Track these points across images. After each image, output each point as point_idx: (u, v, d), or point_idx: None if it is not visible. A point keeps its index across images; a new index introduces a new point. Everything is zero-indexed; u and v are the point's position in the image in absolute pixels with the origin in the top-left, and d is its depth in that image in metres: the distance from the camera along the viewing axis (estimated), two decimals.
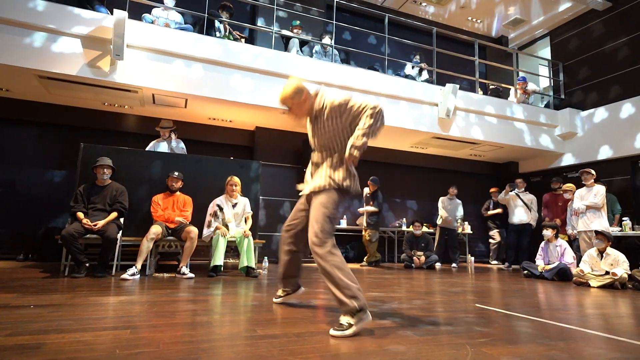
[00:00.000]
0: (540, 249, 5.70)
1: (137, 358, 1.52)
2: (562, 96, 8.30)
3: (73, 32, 4.77)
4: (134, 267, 3.95)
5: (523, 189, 7.34)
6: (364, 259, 6.71)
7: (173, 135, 5.46)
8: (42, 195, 5.74)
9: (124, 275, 3.83)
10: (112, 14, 4.80)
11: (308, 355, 1.63)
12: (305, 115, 2.42)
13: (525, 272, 5.59)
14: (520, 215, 7.11)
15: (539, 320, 2.51)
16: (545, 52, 9.17)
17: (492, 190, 8.03)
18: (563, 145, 7.88)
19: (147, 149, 5.29)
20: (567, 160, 7.82)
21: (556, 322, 2.47)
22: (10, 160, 5.66)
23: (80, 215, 4.04)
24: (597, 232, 4.95)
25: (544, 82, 9.32)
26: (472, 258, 7.35)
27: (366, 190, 6.83)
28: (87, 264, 3.95)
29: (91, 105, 5.93)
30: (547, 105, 8.39)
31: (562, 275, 5.17)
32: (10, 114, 5.66)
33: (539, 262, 5.55)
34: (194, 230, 4.30)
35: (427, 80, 7.33)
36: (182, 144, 5.55)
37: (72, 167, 4.99)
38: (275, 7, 6.18)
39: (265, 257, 5.26)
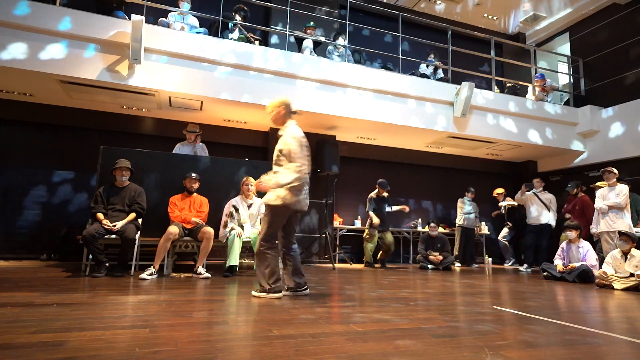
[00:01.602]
0: (560, 249, 5.56)
1: (156, 357, 1.54)
2: (583, 93, 8.09)
3: (93, 37, 4.89)
4: (152, 267, 4.02)
5: (541, 189, 7.17)
6: (378, 258, 6.70)
7: (198, 140, 5.56)
8: (63, 197, 5.90)
9: (143, 275, 3.90)
10: (129, 19, 4.90)
11: (324, 356, 1.63)
12: (277, 126, 3.26)
13: (545, 273, 5.46)
14: (539, 215, 6.94)
15: (560, 323, 2.44)
16: (565, 48, 8.95)
17: (496, 192, 7.74)
18: (584, 144, 7.68)
19: (173, 151, 5.41)
20: (588, 158, 7.62)
21: (578, 325, 2.40)
22: (32, 162, 5.83)
23: (100, 216, 4.13)
24: (620, 232, 4.80)
25: (563, 79, 9.10)
26: (490, 259, 7.23)
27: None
28: (107, 264, 4.05)
29: (110, 108, 6.07)
30: (566, 103, 8.19)
31: (583, 277, 5.03)
32: (32, 117, 5.83)
33: (558, 262, 5.42)
34: (210, 230, 4.35)
35: (442, 79, 7.24)
36: (205, 148, 5.65)
37: (92, 169, 5.12)
38: (288, 8, 6.21)
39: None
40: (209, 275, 4.22)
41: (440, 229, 7.46)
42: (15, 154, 5.77)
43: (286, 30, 6.21)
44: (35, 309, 2.33)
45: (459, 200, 7.52)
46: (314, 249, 6.65)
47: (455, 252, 7.26)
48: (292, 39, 6.64)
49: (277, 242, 3.13)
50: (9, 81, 5.05)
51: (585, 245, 5.35)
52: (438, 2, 8.53)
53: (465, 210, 7.40)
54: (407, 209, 6.99)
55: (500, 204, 7.57)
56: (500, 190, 7.73)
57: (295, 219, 3.18)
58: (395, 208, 6.87)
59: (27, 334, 1.80)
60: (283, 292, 3.10)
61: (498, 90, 7.82)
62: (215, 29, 5.83)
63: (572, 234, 5.39)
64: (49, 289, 3.06)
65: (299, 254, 3.28)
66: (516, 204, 7.38)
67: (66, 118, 5.98)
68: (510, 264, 7.73)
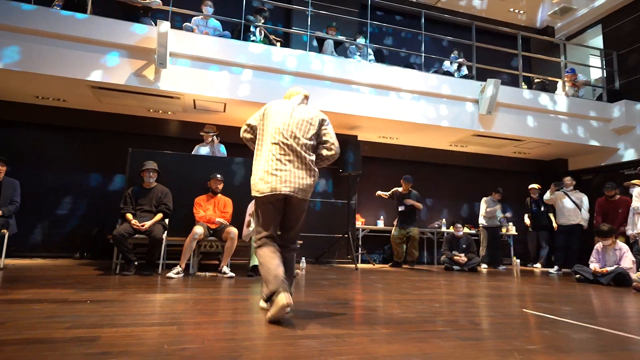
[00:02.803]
0: (595, 251, 5.32)
1: (184, 353, 1.58)
2: (617, 87, 7.74)
3: (121, 43, 5.06)
4: (178, 266, 4.13)
5: (572, 188, 6.89)
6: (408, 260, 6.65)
7: (215, 140, 5.66)
8: (94, 198, 6.13)
9: (169, 274, 4.00)
10: (155, 24, 5.05)
11: (348, 357, 1.63)
12: None
13: (577, 276, 5.26)
14: (570, 215, 6.68)
15: (593, 328, 2.35)
16: (597, 41, 8.59)
17: (532, 187, 7.53)
18: (618, 140, 7.34)
19: (192, 153, 5.53)
20: (624, 156, 7.28)
21: (614, 330, 2.30)
22: (65, 165, 6.09)
23: (129, 216, 4.27)
24: None
25: (596, 74, 8.74)
26: (518, 260, 7.02)
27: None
28: (135, 263, 4.18)
29: (137, 112, 6.27)
30: (599, 98, 7.86)
31: (619, 280, 4.81)
32: (65, 122, 6.09)
33: (594, 265, 5.19)
34: (234, 230, 4.42)
35: (466, 76, 7.09)
36: (222, 148, 5.75)
37: (122, 170, 5.30)
38: (309, 9, 6.23)
39: (303, 258, 5.30)
40: (233, 274, 4.29)
41: (466, 229, 7.31)
42: (50, 158, 6.04)
43: (307, 31, 6.24)
44: (69, 306, 2.44)
45: (483, 199, 7.34)
46: (336, 249, 6.65)
47: (481, 253, 7.09)
48: (314, 41, 6.65)
49: (270, 238, 2.46)
50: (44, 87, 5.30)
51: (622, 248, 5.10)
52: None
53: (485, 209, 7.22)
54: (420, 206, 6.80)
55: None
56: (535, 186, 7.49)
57: (291, 209, 2.51)
58: (409, 202, 6.70)
59: (62, 329, 1.88)
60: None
61: (525, 87, 7.59)
62: (238, 31, 5.93)
63: (606, 242, 5.15)
64: (82, 287, 3.19)
65: (294, 255, 2.65)
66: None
67: (96, 122, 6.22)
68: (536, 264, 7.53)
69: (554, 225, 7.05)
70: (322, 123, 2.59)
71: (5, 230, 4.29)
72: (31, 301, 2.53)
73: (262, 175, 2.40)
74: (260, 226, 2.49)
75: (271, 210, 2.45)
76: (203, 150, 5.58)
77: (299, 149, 2.44)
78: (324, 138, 2.58)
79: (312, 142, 2.53)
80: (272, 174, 2.38)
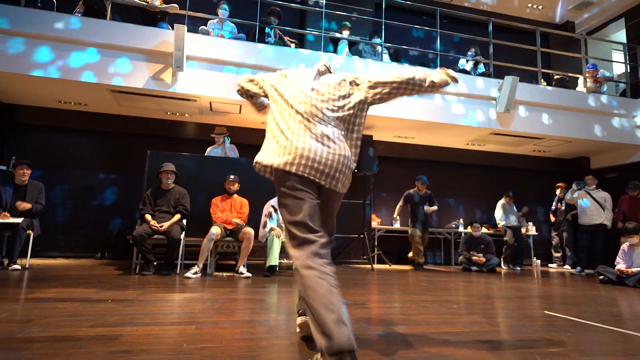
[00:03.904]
0: (621, 252, 5.14)
1: (202, 352, 1.60)
2: None
3: (139, 47, 5.16)
4: (196, 266, 4.18)
5: (594, 186, 6.70)
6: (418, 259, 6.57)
7: (227, 141, 5.72)
8: (114, 199, 6.27)
9: (188, 274, 4.06)
10: (172, 29, 5.13)
11: (365, 358, 1.62)
12: None
13: (601, 277, 5.10)
14: (592, 215, 6.48)
15: (619, 331, 2.27)
16: (620, 35, 8.32)
17: (559, 185, 7.44)
18: None
19: (205, 154, 5.60)
20: None
21: None
22: (86, 167, 6.25)
23: (148, 217, 4.35)
24: None
25: (619, 69, 8.47)
26: (538, 261, 6.86)
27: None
28: (154, 263, 4.26)
29: (155, 114, 6.38)
30: (622, 94, 7.61)
31: None
32: (86, 125, 6.25)
33: (620, 266, 5.02)
34: (250, 231, 4.46)
35: (483, 74, 6.97)
36: (234, 149, 5.81)
37: (141, 172, 5.40)
38: (323, 9, 6.23)
39: None
40: (249, 274, 4.32)
41: (484, 230, 7.18)
42: (72, 160, 6.21)
43: (321, 32, 6.24)
44: (92, 305, 2.50)
45: (499, 205, 7.25)
46: (350, 249, 6.63)
47: (506, 253, 7.01)
48: (326, 39, 6.64)
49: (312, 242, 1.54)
50: (66, 92, 5.45)
51: None
52: None
53: (497, 214, 7.18)
54: (436, 209, 6.75)
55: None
56: (560, 184, 7.41)
57: (327, 197, 1.74)
58: (432, 208, 6.65)
59: (85, 328, 1.93)
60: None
61: (545, 84, 7.41)
62: (253, 34, 5.97)
63: (633, 240, 4.99)
64: (103, 286, 3.27)
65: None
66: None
67: (116, 125, 6.36)
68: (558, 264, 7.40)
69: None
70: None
71: (30, 231, 4.43)
72: (56, 300, 2.60)
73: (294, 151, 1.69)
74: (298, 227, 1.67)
75: None
76: (215, 152, 5.65)
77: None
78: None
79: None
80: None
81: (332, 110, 1.75)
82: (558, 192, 7.40)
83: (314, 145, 1.64)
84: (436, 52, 6.64)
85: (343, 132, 1.77)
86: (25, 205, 4.39)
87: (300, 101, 1.74)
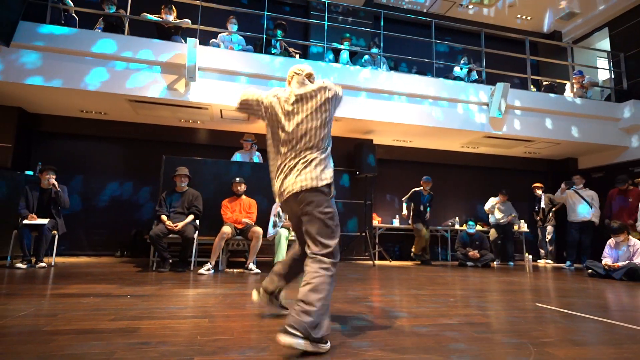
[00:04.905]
0: (607, 247, 5.10)
1: (215, 344, 1.61)
2: (625, 88, 7.43)
3: (155, 60, 5.20)
4: (208, 263, 4.19)
5: (581, 185, 6.65)
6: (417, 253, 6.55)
7: (254, 148, 5.73)
8: (133, 201, 6.30)
9: (201, 271, 4.07)
10: (185, 42, 5.16)
11: (368, 349, 1.61)
12: None
13: (590, 271, 5.06)
14: (581, 212, 6.44)
15: (607, 322, 2.25)
16: (604, 43, 8.26)
17: (536, 185, 7.33)
18: (627, 139, 7.04)
19: (231, 159, 5.61)
20: (632, 154, 6.97)
21: (627, 324, 2.20)
22: (107, 172, 6.29)
23: (164, 217, 4.37)
24: None
25: (603, 75, 8.41)
26: (530, 257, 6.82)
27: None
28: (170, 260, 4.27)
29: (170, 122, 6.41)
30: (607, 99, 7.55)
31: (631, 275, 4.60)
32: (106, 132, 6.29)
33: (606, 260, 4.98)
34: (259, 230, 4.46)
35: (476, 81, 6.94)
36: (260, 156, 5.81)
37: (156, 176, 5.43)
38: (325, 22, 6.24)
39: None
40: (258, 271, 4.32)
41: (478, 227, 7.15)
42: (94, 165, 6.25)
43: (324, 43, 6.25)
44: (113, 299, 2.51)
45: (496, 205, 7.17)
46: (353, 246, 6.62)
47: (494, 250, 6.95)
48: (330, 53, 6.66)
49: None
50: (88, 102, 5.49)
51: (636, 244, 4.87)
52: (470, 6, 8.20)
53: (496, 210, 7.08)
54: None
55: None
56: (537, 184, 7.32)
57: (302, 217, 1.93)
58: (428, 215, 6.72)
59: (107, 321, 1.94)
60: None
61: (534, 89, 7.38)
62: (260, 45, 6.00)
63: (619, 237, 4.94)
64: (123, 282, 3.28)
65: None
66: (558, 204, 6.92)
67: (134, 132, 6.39)
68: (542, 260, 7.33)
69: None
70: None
71: (55, 232, 4.46)
72: (79, 295, 2.62)
73: (280, 180, 2.04)
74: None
75: None
76: (240, 156, 5.65)
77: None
78: None
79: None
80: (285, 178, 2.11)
81: None
82: (539, 192, 7.27)
83: None
84: (432, 61, 6.63)
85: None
86: (54, 182, 4.49)
87: None
